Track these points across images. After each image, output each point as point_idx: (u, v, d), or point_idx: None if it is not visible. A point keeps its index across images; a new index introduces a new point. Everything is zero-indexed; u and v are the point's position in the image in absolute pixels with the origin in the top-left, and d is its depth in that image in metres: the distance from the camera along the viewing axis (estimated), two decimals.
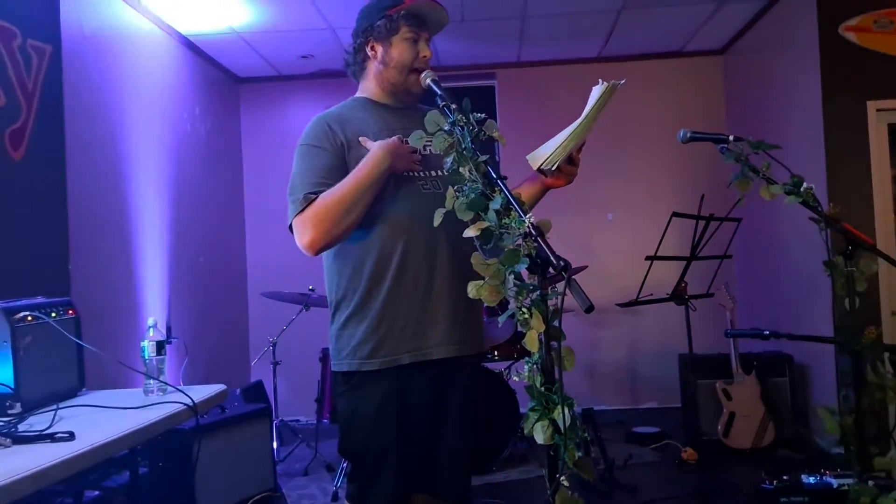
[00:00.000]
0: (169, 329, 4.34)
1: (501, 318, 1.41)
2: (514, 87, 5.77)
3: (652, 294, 2.91)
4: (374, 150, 1.86)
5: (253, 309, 5.68)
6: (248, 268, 5.73)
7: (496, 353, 4.26)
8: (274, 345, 4.30)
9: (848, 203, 2.13)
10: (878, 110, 3.92)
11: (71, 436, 1.68)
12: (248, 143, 5.79)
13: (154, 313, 4.18)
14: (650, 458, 4.27)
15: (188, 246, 4.66)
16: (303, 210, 1.83)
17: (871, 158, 3.90)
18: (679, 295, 3.12)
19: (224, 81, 5.57)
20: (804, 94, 4.21)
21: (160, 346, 2.27)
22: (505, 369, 4.38)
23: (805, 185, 2.03)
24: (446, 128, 1.67)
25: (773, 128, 4.66)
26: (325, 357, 4.12)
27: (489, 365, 4.26)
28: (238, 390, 4.53)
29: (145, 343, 2.25)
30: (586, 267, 4.16)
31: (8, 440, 1.65)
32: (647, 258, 2.87)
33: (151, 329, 2.28)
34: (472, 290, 1.41)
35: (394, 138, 1.89)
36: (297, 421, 5.35)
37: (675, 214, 2.86)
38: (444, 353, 1.89)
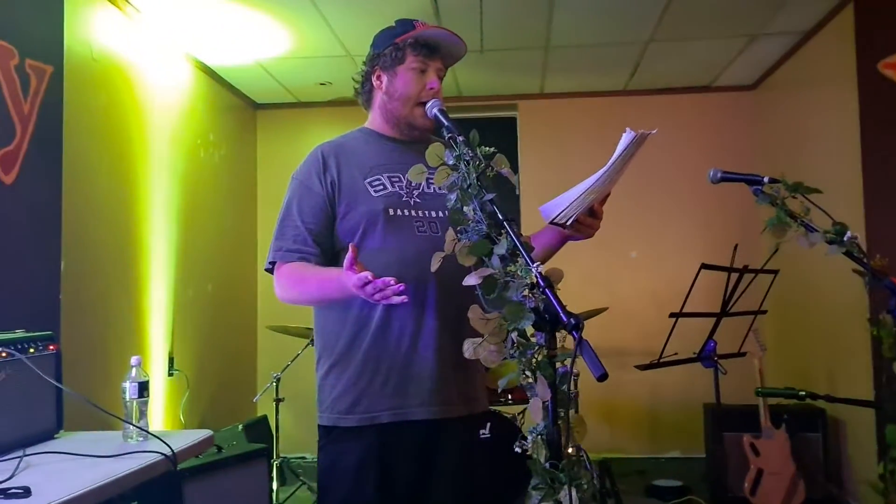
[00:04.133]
0: (171, 360, 4.20)
1: (501, 382, 1.23)
2: (536, 119, 5.62)
3: (677, 353, 2.68)
4: (344, 283, 1.57)
5: (262, 342, 5.52)
6: (258, 299, 5.58)
7: (510, 396, 4.05)
8: (278, 380, 4.13)
9: (888, 252, 1.93)
10: None
11: (26, 492, 1.52)
12: (264, 170, 5.68)
13: (156, 344, 4.04)
14: None
15: (196, 274, 4.53)
16: (274, 265, 1.81)
17: None
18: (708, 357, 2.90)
19: (241, 107, 5.48)
20: (840, 135, 4.01)
21: (142, 388, 2.11)
22: (519, 414, 4.16)
23: (849, 233, 1.84)
24: (450, 162, 1.51)
25: (806, 169, 4.45)
26: None
27: (503, 408, 4.05)
28: (241, 426, 4.37)
29: (126, 384, 2.09)
30: (606, 309, 3.96)
31: None
32: (672, 315, 2.66)
33: (134, 369, 2.13)
34: (468, 349, 1.23)
35: (364, 276, 1.52)
36: (304, 458, 5.16)
37: (704, 266, 2.65)
38: (425, 415, 1.71)
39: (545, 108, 5.60)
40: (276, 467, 4.09)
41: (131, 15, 3.74)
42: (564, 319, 1.19)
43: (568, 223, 1.64)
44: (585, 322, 3.80)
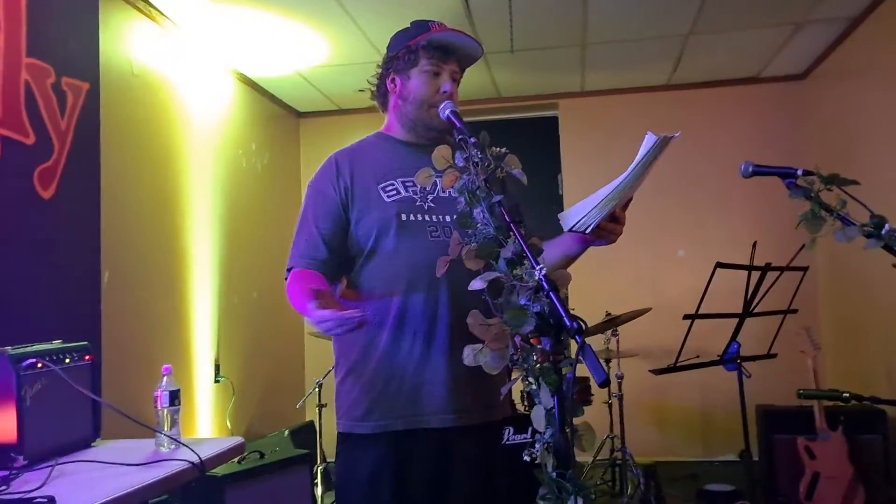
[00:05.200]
0: (217, 367, 4.27)
1: (504, 389, 1.20)
2: (577, 117, 5.54)
3: (699, 356, 2.58)
4: (315, 316, 1.51)
5: (309, 348, 5.57)
6: None
7: None
8: (320, 386, 4.16)
9: None
10: None
11: (50, 501, 1.55)
12: (308, 177, 5.69)
13: (202, 351, 4.11)
14: None
15: (241, 282, 4.60)
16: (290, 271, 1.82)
17: None
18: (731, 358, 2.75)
19: (284, 116, 5.56)
20: (892, 124, 3.83)
21: (173, 397, 2.14)
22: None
23: (888, 226, 1.73)
24: (460, 164, 1.48)
25: (859, 161, 4.28)
26: None
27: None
28: (287, 431, 4.41)
29: (157, 393, 2.13)
30: (649, 309, 3.86)
31: None
32: (686, 317, 2.56)
33: (165, 377, 2.16)
34: (468, 356, 1.20)
35: (322, 314, 1.48)
36: None
37: (719, 265, 2.54)
38: (439, 423, 1.68)
39: (587, 105, 5.51)
40: (321, 472, 4.11)
41: (170, 30, 3.82)
42: (567, 324, 1.15)
43: (588, 231, 1.58)
44: (629, 323, 3.72)
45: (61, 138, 2.67)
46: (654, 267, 5.26)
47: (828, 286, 4.95)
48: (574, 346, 1.15)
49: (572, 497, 1.13)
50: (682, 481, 4.50)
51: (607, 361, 4.26)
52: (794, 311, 2.82)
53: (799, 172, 1.88)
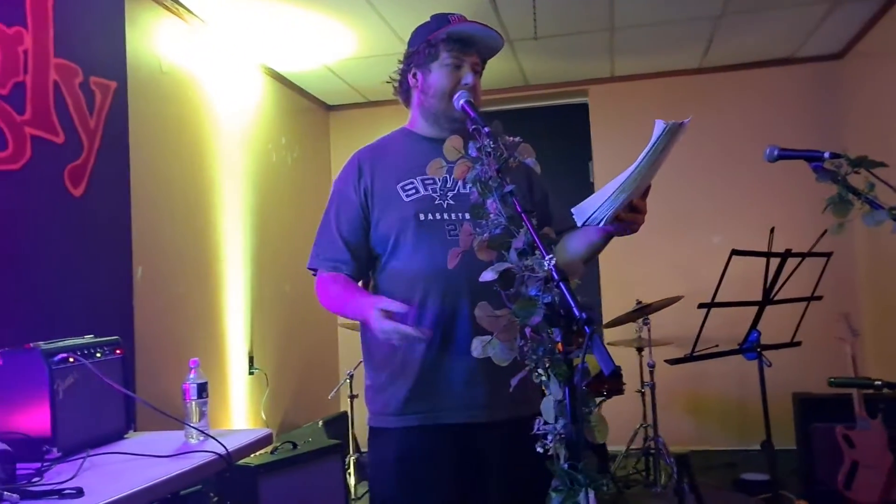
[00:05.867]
0: (251, 359, 4.33)
1: (514, 381, 1.19)
2: (608, 103, 5.46)
3: (718, 346, 2.52)
4: (367, 314, 1.63)
5: (343, 339, 5.62)
6: None
7: (605, 388, 3.97)
8: (351, 377, 4.19)
9: None
10: None
11: (79, 492, 1.59)
12: (338, 170, 5.76)
13: (236, 344, 4.17)
14: None
15: (273, 275, 4.65)
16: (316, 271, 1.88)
17: None
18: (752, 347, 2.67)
19: (313, 110, 5.60)
20: None
21: (201, 389, 2.18)
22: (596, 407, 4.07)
23: None
24: (473, 154, 1.47)
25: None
26: None
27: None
28: (321, 422, 4.46)
29: (185, 385, 2.17)
30: (681, 297, 3.81)
31: (15, 495, 1.58)
32: (702, 305, 2.50)
33: (193, 370, 2.20)
34: (476, 348, 1.19)
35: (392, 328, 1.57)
36: None
37: (734, 253, 2.49)
38: (460, 419, 1.68)
39: (617, 91, 5.44)
40: (353, 462, 4.15)
41: (197, 27, 3.87)
42: (577, 314, 1.13)
43: (601, 223, 1.56)
44: (662, 310, 3.66)
45: (90, 137, 2.72)
46: (690, 254, 5.18)
47: (868, 272, 4.82)
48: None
49: (584, 490, 1.12)
50: (720, 470, 4.45)
51: (639, 350, 4.22)
52: (819, 298, 2.74)
53: (826, 155, 1.83)
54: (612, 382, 3.93)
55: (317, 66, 4.80)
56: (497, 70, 5.01)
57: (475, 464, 1.72)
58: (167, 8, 3.59)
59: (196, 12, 3.79)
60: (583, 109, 5.57)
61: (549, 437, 1.20)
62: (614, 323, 4.12)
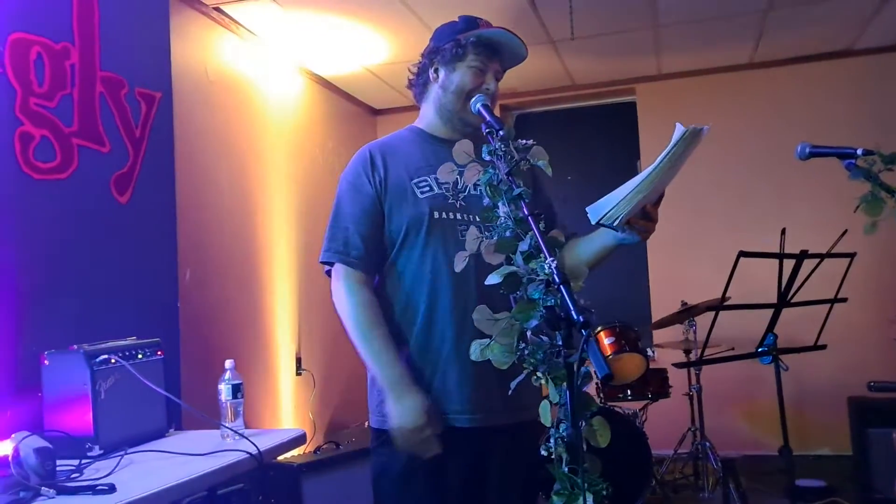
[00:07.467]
0: (299, 361, 4.41)
1: (513, 384, 1.19)
2: (656, 102, 5.37)
3: (734, 348, 2.44)
4: (393, 404, 1.71)
5: None
6: None
7: (629, 391, 3.93)
8: None
9: None
10: None
11: (111, 488, 1.66)
12: None
13: (283, 345, 4.26)
14: None
15: (320, 277, 4.71)
16: (333, 266, 1.91)
17: None
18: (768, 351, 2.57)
19: (360, 114, 5.67)
20: None
21: (236, 390, 2.24)
22: (641, 411, 4.02)
23: None
24: (486, 157, 1.48)
25: None
26: None
27: (621, 404, 3.93)
28: (367, 423, 4.51)
29: (220, 386, 2.23)
30: (728, 299, 3.71)
31: (52, 490, 1.66)
32: (709, 308, 2.43)
33: (228, 371, 2.26)
34: (475, 351, 1.20)
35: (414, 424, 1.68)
36: None
37: (742, 254, 2.41)
38: (468, 423, 1.68)
39: (665, 89, 5.35)
40: None
41: (243, 36, 3.97)
42: (575, 317, 1.13)
43: (615, 225, 1.54)
44: (707, 312, 3.54)
45: (136, 146, 2.82)
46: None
47: None
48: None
49: (583, 494, 1.12)
50: (774, 476, 4.31)
51: (686, 353, 4.14)
52: (844, 300, 2.63)
53: (858, 152, 1.78)
54: (657, 385, 3.88)
55: (360, 70, 4.85)
56: (542, 71, 4.99)
57: (481, 468, 1.72)
58: (214, 20, 3.70)
59: (242, 23, 3.90)
60: (631, 108, 5.50)
61: (551, 441, 1.21)
62: (661, 324, 4.06)
